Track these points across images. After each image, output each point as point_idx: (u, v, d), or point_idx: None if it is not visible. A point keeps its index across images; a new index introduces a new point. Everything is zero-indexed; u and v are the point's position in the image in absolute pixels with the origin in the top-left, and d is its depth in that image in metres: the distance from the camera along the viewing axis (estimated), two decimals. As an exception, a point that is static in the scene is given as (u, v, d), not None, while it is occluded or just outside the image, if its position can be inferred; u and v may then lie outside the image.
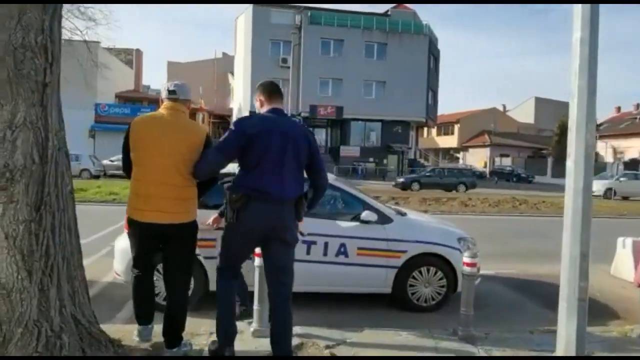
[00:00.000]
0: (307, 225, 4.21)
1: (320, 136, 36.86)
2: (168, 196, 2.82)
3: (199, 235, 3.10)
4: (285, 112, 2.95)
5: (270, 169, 2.71)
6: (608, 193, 22.66)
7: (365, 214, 4.44)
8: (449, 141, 53.31)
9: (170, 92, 2.91)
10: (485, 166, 43.75)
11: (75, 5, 14.59)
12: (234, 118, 30.74)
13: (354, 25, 33.69)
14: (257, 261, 3.40)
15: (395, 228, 4.51)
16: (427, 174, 26.24)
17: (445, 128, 53.34)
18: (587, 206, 2.83)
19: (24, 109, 2.35)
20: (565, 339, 2.89)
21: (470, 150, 50.68)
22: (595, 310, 4.56)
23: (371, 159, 33.37)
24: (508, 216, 13.69)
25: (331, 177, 5.08)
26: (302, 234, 3.22)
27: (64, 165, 2.67)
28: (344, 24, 33.60)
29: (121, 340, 3.07)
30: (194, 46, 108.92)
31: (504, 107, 59.65)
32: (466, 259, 3.57)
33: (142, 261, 3.05)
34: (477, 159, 47.45)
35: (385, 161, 34.00)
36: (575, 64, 2.86)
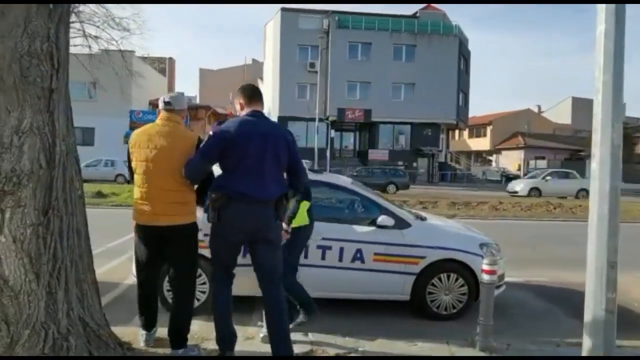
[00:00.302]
0: (322, 229, 4.15)
1: (349, 140, 36.82)
2: (164, 200, 2.92)
3: None
4: (267, 114, 3.00)
5: (250, 170, 2.76)
6: (533, 193, 21.95)
7: (382, 219, 4.32)
8: (481, 143, 51.89)
9: (166, 103, 3.04)
10: (519, 169, 42.30)
11: (110, 17, 15.18)
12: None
13: (382, 28, 33.43)
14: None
15: (413, 233, 4.36)
16: (354, 173, 25.46)
17: (477, 130, 51.97)
18: (613, 211, 2.62)
19: (30, 115, 2.40)
20: (589, 353, 2.68)
21: (504, 152, 49.17)
22: (632, 323, 4.26)
23: (400, 163, 32.90)
24: (541, 221, 13.15)
25: (347, 181, 5.00)
26: (287, 232, 3.24)
27: (73, 170, 2.72)
28: (371, 27, 33.40)
29: (131, 343, 3.09)
30: (225, 53, 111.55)
31: (539, 107, 57.56)
32: (485, 266, 3.40)
33: (145, 266, 3.11)
34: (510, 161, 45.95)
35: (414, 164, 33.48)
36: (599, 58, 2.67)
